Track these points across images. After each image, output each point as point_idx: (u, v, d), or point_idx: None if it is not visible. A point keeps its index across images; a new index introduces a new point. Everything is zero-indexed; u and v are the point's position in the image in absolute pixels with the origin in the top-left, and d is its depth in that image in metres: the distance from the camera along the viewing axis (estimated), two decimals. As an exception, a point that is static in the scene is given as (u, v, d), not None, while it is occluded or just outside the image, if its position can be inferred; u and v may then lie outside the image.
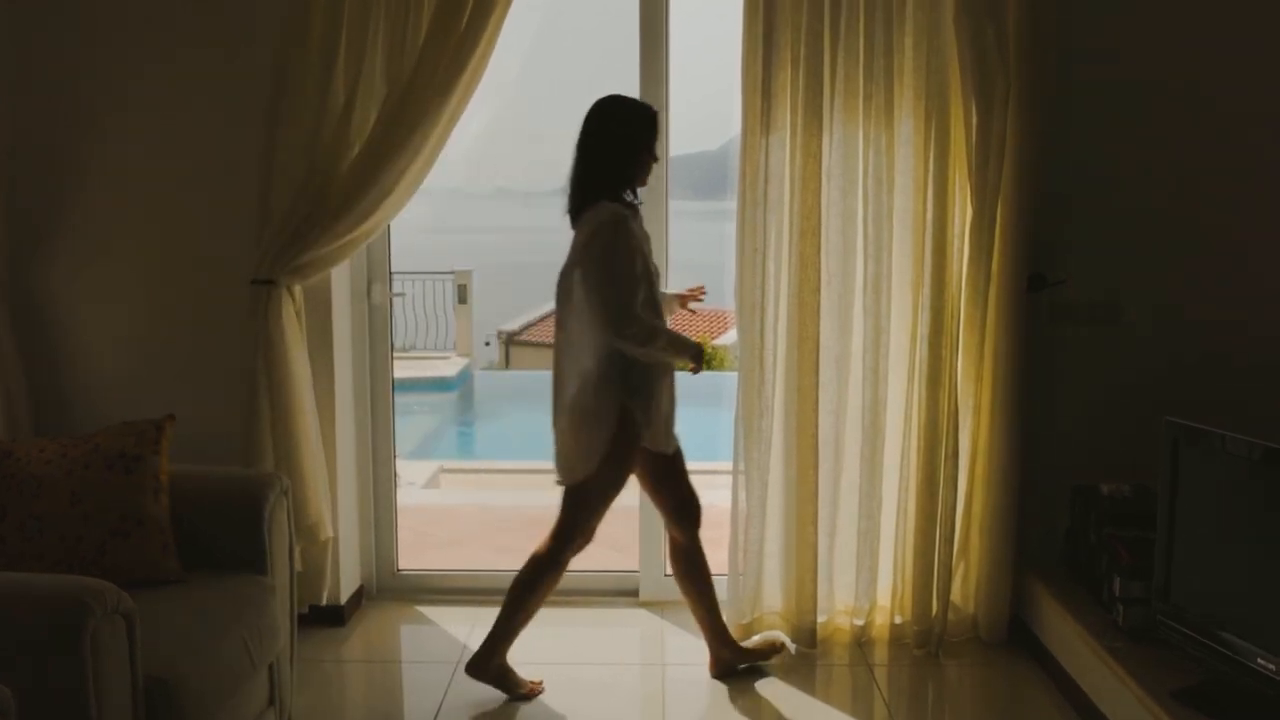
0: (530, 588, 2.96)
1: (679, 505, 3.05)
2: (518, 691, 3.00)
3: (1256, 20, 3.19)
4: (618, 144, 2.85)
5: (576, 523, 2.95)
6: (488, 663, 2.98)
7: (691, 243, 3.08)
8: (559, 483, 2.95)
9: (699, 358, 2.92)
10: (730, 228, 3.20)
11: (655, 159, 2.91)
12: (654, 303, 2.85)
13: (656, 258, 3.02)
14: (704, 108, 2.84)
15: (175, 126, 3.30)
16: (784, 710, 2.99)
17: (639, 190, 2.92)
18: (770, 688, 3.10)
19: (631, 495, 3.62)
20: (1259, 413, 3.02)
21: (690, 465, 3.08)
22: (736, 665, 3.16)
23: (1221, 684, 2.48)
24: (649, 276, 2.85)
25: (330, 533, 3.29)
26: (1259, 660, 2.34)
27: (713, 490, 3.39)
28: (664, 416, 2.92)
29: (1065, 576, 3.23)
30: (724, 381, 3.54)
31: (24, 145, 3.32)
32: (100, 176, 3.33)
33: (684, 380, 3.02)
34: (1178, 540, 2.61)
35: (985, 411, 3.20)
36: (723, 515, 3.32)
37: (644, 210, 2.97)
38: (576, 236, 2.85)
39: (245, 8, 3.21)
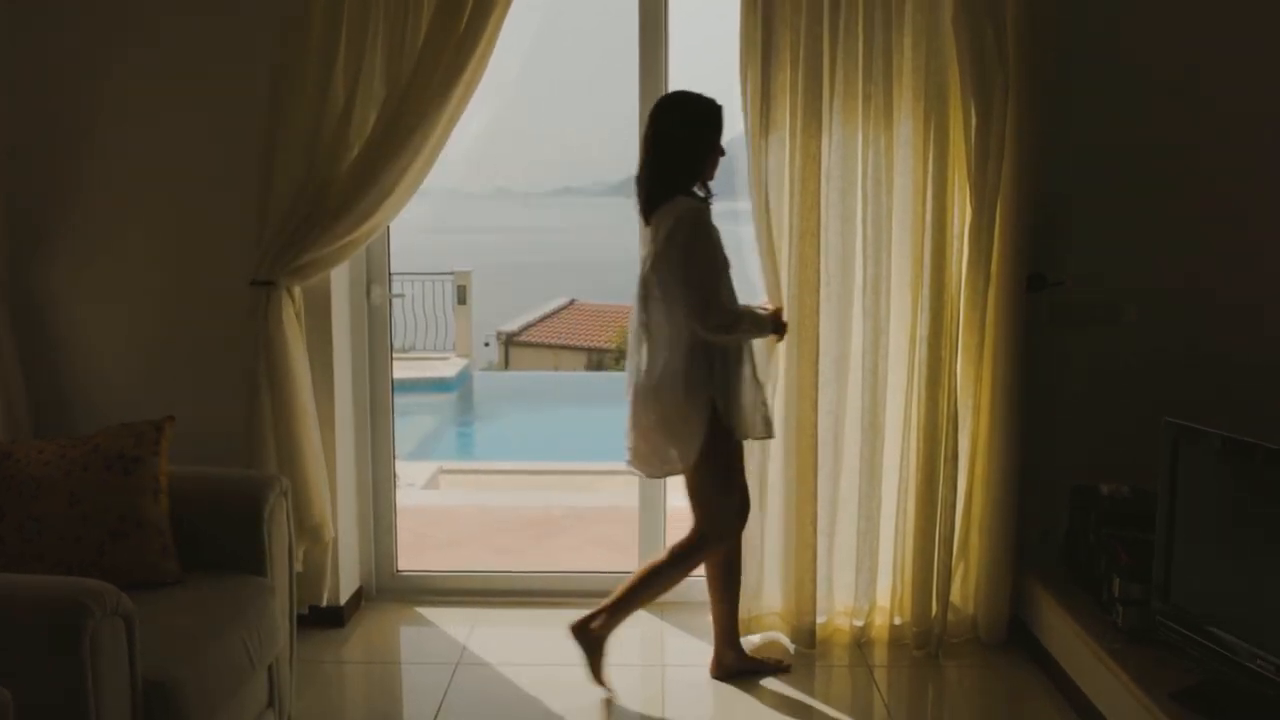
0: (656, 579, 3.00)
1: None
2: (597, 673, 3.00)
3: (1256, 19, 3.19)
4: (686, 141, 2.88)
5: (710, 520, 2.98)
6: (598, 630, 2.99)
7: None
8: (650, 475, 3.03)
9: (780, 328, 3.07)
10: (729, 227, 3.19)
11: (723, 153, 2.94)
12: (733, 292, 2.91)
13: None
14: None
15: (175, 127, 3.30)
16: (783, 711, 2.98)
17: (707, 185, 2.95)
18: (770, 688, 3.10)
19: (631, 496, 3.62)
20: (1259, 412, 3.02)
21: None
22: (738, 670, 3.16)
23: (1221, 684, 2.48)
24: (728, 267, 2.90)
25: (333, 533, 3.29)
26: (1258, 661, 2.34)
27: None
28: (744, 405, 2.94)
29: (1065, 577, 3.23)
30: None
31: (24, 145, 3.32)
32: (100, 176, 3.33)
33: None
34: (1177, 541, 2.61)
35: (985, 412, 3.20)
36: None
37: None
38: (655, 233, 2.88)
39: (245, 8, 3.21)
